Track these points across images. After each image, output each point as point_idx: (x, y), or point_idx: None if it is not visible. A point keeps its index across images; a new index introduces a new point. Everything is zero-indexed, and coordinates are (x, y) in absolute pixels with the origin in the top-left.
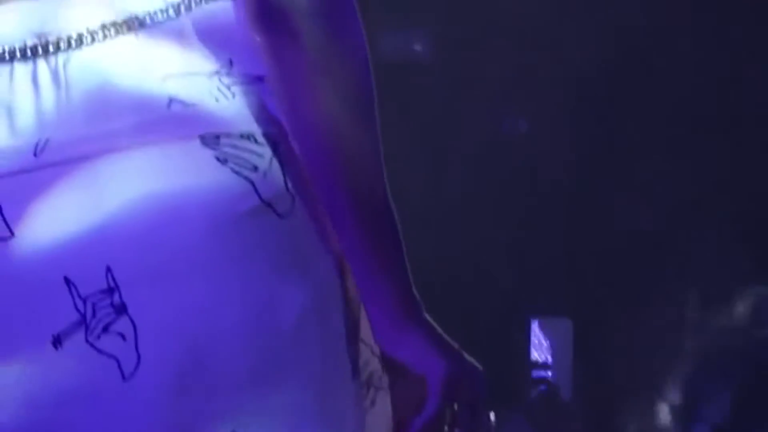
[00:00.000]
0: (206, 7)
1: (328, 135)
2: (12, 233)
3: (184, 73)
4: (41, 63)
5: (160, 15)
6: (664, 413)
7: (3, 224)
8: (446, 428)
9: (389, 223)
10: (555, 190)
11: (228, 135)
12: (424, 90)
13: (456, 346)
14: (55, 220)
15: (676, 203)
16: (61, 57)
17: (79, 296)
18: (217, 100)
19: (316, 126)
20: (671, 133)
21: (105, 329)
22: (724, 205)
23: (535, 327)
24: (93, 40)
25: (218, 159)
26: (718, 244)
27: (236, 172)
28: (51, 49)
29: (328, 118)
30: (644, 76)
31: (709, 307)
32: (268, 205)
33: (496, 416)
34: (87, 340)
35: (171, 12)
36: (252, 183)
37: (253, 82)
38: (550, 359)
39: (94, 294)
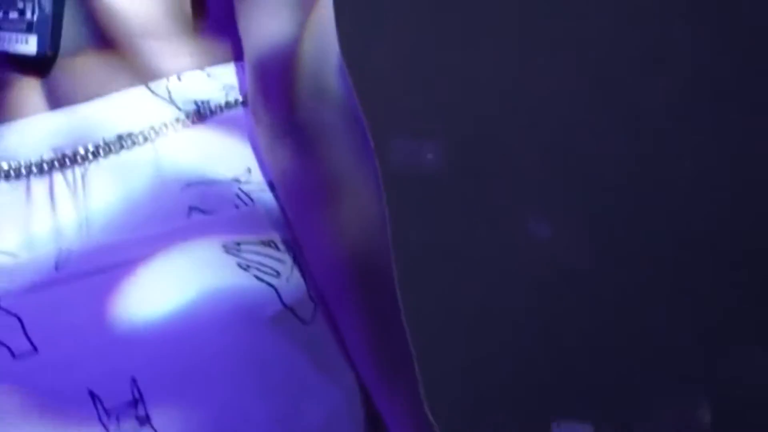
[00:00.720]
0: (223, 116)
1: (339, 253)
2: (35, 349)
3: (203, 182)
4: (58, 176)
5: (176, 125)
6: None
7: (26, 340)
8: None
9: (401, 343)
10: (581, 291)
11: (249, 242)
12: (437, 200)
13: None
14: (79, 333)
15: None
16: (78, 170)
17: (104, 410)
18: (236, 206)
19: (328, 244)
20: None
21: None
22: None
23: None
24: (110, 151)
25: (240, 266)
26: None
27: (259, 279)
28: (68, 162)
29: (339, 238)
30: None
31: None
32: (291, 310)
33: None
34: None
35: (188, 121)
36: (275, 289)
37: (272, 188)
38: None
39: (119, 406)
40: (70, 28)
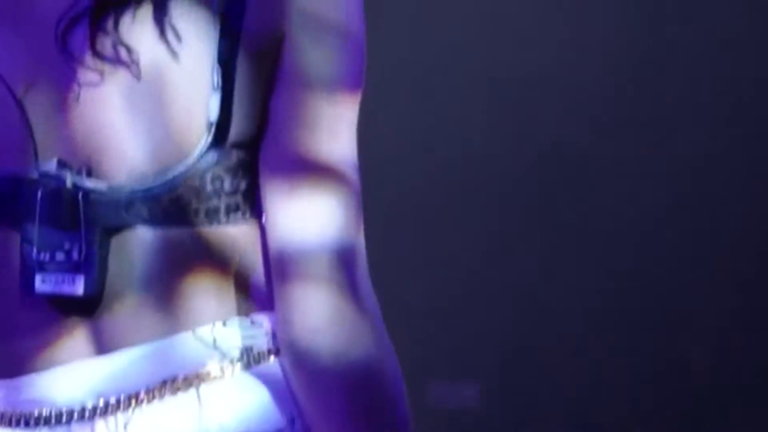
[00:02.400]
0: (267, 363)
1: None
2: None
3: None
4: (100, 423)
5: (220, 372)
6: None
7: None
8: None
9: None
10: None
11: None
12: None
13: None
14: None
15: None
16: (120, 416)
17: None
18: None
19: None
20: None
21: None
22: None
23: None
24: (153, 398)
25: None
26: None
27: None
28: (110, 409)
29: None
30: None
31: None
32: None
33: None
34: None
35: (232, 368)
36: None
37: None
38: None
39: None
40: (116, 269)
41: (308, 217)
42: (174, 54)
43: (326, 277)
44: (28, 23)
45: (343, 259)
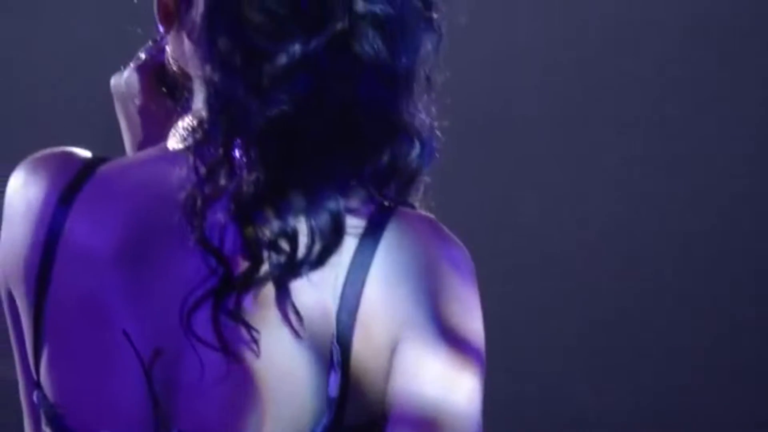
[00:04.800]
0: None
1: None
2: None
3: None
4: None
5: None
6: None
7: None
8: None
9: None
10: None
11: None
12: None
13: None
14: None
15: None
16: None
17: None
18: None
19: None
20: None
21: None
22: None
23: None
24: None
25: None
26: None
27: None
28: None
29: None
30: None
31: None
32: None
33: None
34: None
35: None
36: None
37: None
38: None
39: None
40: None
41: None
42: (295, 334)
43: None
44: (157, 300)
45: None
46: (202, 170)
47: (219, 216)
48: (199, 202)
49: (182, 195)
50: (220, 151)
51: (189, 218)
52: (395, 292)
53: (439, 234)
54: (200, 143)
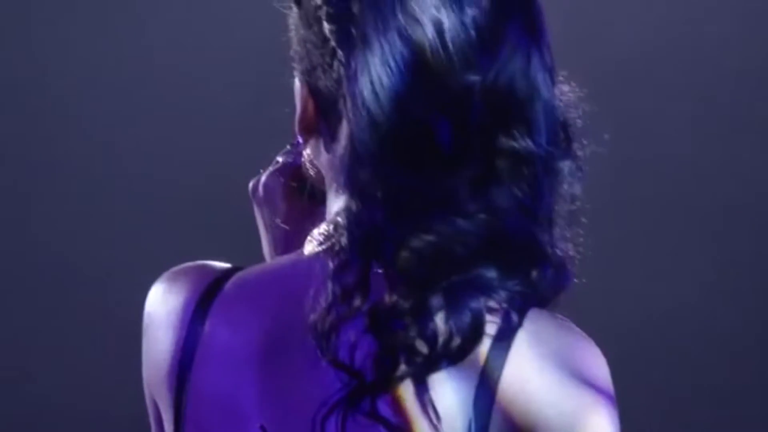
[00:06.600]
0: None
1: None
2: None
3: None
4: None
5: None
6: None
7: None
8: None
9: None
10: None
11: None
12: None
13: None
14: None
15: None
16: None
17: None
18: None
19: None
20: None
21: None
22: None
23: None
24: None
25: None
26: None
27: None
28: None
29: None
30: None
31: None
32: None
33: None
34: None
35: None
36: None
37: None
38: None
39: None
40: None
41: None
42: (433, 428)
43: None
44: (291, 404)
45: None
46: (338, 291)
47: (351, 333)
48: (330, 323)
49: (314, 314)
50: (358, 276)
51: (319, 341)
52: (527, 388)
53: (571, 332)
54: (339, 269)
